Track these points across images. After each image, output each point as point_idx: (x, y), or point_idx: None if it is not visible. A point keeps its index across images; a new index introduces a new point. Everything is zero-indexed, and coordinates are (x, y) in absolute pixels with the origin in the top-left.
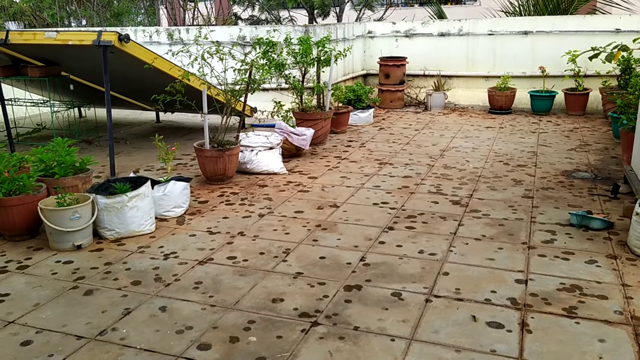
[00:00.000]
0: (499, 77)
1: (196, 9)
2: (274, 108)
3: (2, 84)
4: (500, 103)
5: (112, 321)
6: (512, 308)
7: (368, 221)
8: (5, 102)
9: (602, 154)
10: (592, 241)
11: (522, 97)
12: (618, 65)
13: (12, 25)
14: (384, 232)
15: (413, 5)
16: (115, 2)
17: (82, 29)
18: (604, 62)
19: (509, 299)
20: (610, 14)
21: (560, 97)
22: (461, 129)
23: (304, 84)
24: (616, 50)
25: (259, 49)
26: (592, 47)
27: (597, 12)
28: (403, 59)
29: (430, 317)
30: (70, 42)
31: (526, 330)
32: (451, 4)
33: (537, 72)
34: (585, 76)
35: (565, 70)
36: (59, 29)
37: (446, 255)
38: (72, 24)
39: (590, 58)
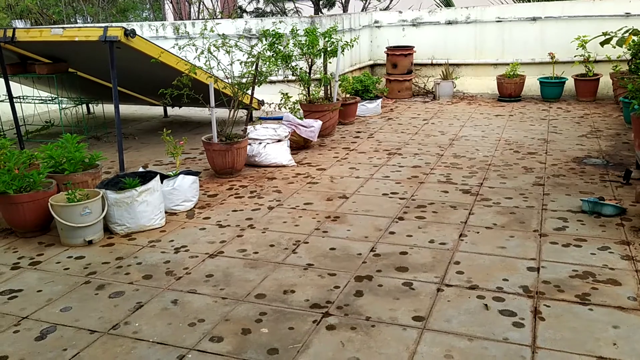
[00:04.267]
0: (507, 64)
1: (201, 3)
2: (281, 100)
3: (10, 82)
4: (509, 90)
5: (124, 315)
6: (524, 296)
7: (378, 212)
8: (14, 100)
9: (613, 140)
10: (605, 227)
11: (531, 84)
12: (629, 49)
13: (18, 23)
14: (394, 222)
15: None
16: None
17: (89, 25)
18: (614, 47)
19: (521, 287)
20: None
21: (570, 84)
22: (470, 118)
23: (311, 75)
24: (627, 34)
25: (265, 41)
26: (603, 32)
27: None
28: (410, 48)
29: (442, 306)
30: (76, 39)
31: (539, 317)
32: None
33: (547, 58)
34: (596, 61)
35: (575, 56)
36: (65, 25)
37: (457, 244)
38: (78, 21)
39: (602, 44)
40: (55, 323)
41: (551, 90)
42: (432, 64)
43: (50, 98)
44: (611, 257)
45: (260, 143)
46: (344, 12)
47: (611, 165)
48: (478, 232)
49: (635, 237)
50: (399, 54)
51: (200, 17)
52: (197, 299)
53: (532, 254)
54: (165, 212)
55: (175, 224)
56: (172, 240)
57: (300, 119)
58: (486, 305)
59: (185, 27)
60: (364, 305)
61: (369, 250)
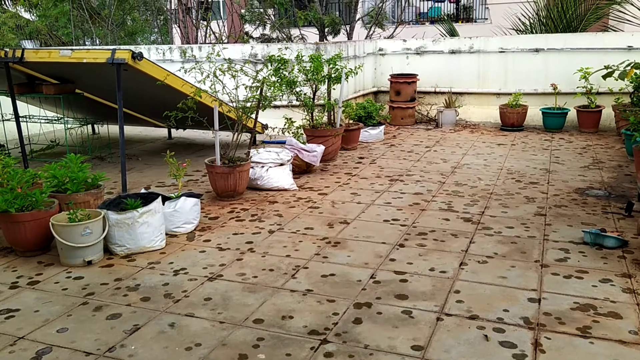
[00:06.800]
0: (510, 94)
1: (209, 28)
2: (284, 125)
3: (17, 101)
4: (511, 120)
5: (120, 337)
6: (525, 327)
7: (378, 238)
8: (20, 119)
9: (615, 172)
10: (606, 260)
11: (534, 114)
12: (631, 82)
13: (27, 44)
14: (395, 249)
15: (424, 23)
16: (129, 21)
17: (97, 47)
18: (617, 80)
19: (522, 318)
20: (622, 31)
21: (572, 114)
22: (472, 146)
23: (315, 101)
24: (629, 68)
25: (271, 66)
26: (605, 66)
27: (608, 29)
28: (414, 76)
29: (441, 335)
30: (84, 60)
31: (539, 350)
32: (462, 22)
33: (549, 89)
34: (598, 93)
35: (578, 88)
36: (73, 47)
37: (457, 273)
38: (87, 43)
39: (604, 77)
40: (51, 344)
41: (553, 120)
42: (435, 92)
43: (56, 118)
44: (612, 290)
45: (262, 167)
46: (348, 39)
47: (613, 197)
48: (479, 261)
49: (636, 270)
50: (403, 81)
51: (207, 41)
52: (195, 323)
53: (533, 285)
54: (166, 234)
55: (176, 246)
56: (171, 263)
57: (304, 143)
58: (486, 336)
59: (192, 51)
60: (363, 333)
61: (369, 276)
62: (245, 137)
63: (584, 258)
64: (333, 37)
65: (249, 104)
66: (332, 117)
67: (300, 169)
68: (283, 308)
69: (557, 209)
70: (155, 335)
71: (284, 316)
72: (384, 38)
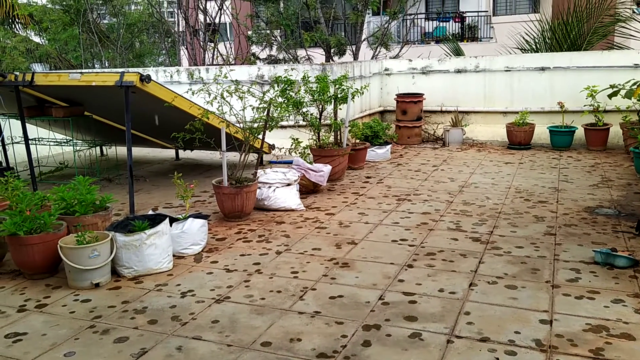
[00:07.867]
0: (517, 112)
1: (216, 49)
2: (291, 145)
3: (26, 124)
4: (519, 138)
5: None
6: (537, 350)
7: (387, 259)
8: (30, 142)
9: (625, 190)
10: (618, 279)
11: (541, 133)
12: (638, 100)
13: (37, 67)
14: (403, 270)
15: (429, 43)
16: (137, 43)
17: (105, 70)
18: (624, 98)
19: (534, 340)
20: (629, 49)
21: (580, 133)
22: (480, 165)
23: (322, 121)
24: (635, 86)
25: (277, 87)
26: (610, 85)
27: (614, 47)
28: (420, 95)
29: (451, 358)
30: (94, 83)
31: None
32: (467, 41)
33: (556, 107)
34: (605, 111)
35: (585, 106)
36: (83, 70)
37: (467, 293)
38: (96, 65)
39: (610, 96)
40: None
41: (561, 138)
42: (441, 111)
43: (65, 140)
44: (625, 311)
45: (269, 187)
46: (354, 59)
47: (623, 215)
48: (489, 282)
49: None
50: (409, 101)
51: (215, 63)
52: (202, 346)
53: (544, 306)
54: (173, 255)
55: (183, 268)
56: (179, 285)
57: (310, 163)
58: (497, 359)
59: (200, 73)
60: (372, 356)
61: (378, 298)
62: (253, 157)
63: (595, 278)
64: (339, 58)
65: (256, 125)
66: (338, 136)
67: (308, 189)
68: (291, 330)
69: (566, 228)
70: (163, 359)
71: (292, 339)
72: (390, 58)
